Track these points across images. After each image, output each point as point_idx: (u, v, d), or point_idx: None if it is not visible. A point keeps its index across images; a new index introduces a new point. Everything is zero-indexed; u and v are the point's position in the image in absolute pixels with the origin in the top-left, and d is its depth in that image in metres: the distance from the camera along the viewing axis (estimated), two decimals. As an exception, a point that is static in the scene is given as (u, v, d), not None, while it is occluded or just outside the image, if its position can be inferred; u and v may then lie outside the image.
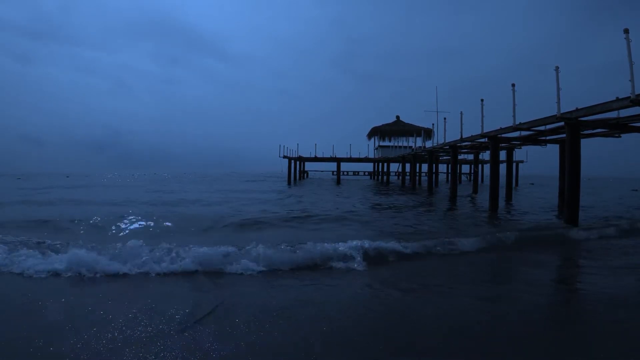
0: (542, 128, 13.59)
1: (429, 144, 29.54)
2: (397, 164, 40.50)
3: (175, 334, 3.74)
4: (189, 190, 28.48)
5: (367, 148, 45.95)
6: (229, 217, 12.53)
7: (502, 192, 17.83)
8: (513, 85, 12.78)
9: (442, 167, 44.98)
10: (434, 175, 28.93)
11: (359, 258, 6.73)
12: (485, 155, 31.29)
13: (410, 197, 23.12)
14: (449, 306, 4.70)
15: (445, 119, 20.87)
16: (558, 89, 10.40)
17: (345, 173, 48.97)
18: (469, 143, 19.46)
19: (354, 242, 7.30)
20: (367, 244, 7.29)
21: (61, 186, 33.96)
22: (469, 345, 3.64)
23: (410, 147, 37.17)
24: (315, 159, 43.08)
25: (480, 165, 37.61)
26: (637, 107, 8.69)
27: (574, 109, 10.30)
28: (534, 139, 16.92)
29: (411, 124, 43.80)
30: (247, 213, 13.98)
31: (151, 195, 23.12)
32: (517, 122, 12.82)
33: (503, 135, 15.16)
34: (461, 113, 17.99)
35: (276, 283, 5.64)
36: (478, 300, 4.95)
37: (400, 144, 44.30)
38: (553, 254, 8.11)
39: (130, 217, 11.74)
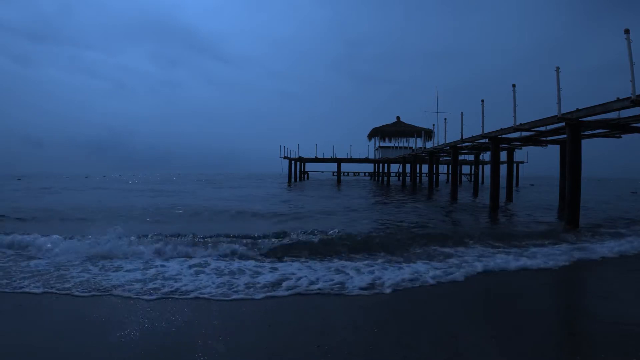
0: (542, 129, 13.59)
1: (429, 145, 29.62)
2: (398, 165, 40.50)
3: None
4: (226, 197, 25.86)
5: (368, 149, 46.00)
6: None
7: (502, 193, 17.79)
8: (513, 85, 12.82)
9: (443, 168, 45.04)
10: (434, 176, 28.94)
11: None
12: (486, 156, 31.30)
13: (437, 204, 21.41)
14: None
15: (445, 119, 20.93)
16: (558, 89, 10.41)
17: (345, 174, 48.94)
18: (470, 144, 19.48)
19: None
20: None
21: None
22: None
23: (411, 147, 37.19)
24: (316, 160, 43.07)
25: (480, 166, 37.58)
26: (638, 108, 8.71)
27: (575, 109, 10.31)
28: (535, 140, 16.93)
29: (411, 125, 43.73)
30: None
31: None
32: (517, 123, 12.84)
33: (504, 135, 15.18)
34: (461, 114, 18.06)
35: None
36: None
37: (400, 145, 44.29)
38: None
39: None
